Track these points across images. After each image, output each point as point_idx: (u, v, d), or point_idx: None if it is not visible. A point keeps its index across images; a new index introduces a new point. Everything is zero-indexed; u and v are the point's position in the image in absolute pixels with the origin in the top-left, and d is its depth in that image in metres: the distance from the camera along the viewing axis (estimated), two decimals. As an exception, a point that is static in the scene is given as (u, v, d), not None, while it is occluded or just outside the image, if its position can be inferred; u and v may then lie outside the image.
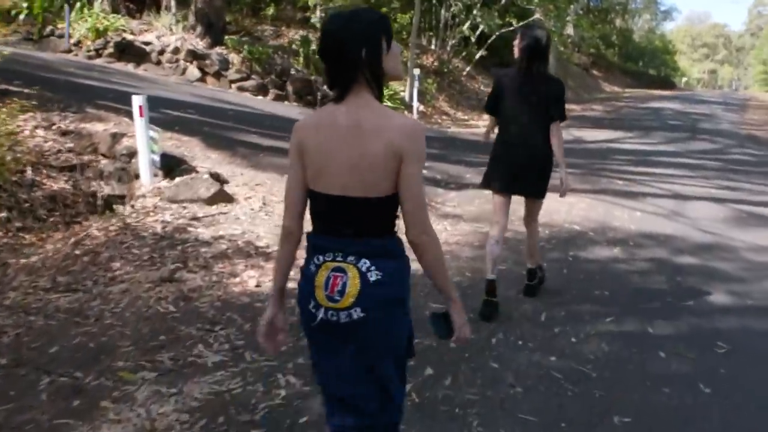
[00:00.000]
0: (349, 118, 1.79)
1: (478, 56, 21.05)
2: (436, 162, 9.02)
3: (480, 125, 16.27)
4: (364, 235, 1.83)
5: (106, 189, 6.42)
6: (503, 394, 3.21)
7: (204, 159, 6.89)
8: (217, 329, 3.76)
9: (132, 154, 6.45)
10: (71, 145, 6.85)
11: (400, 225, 1.88)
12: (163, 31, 14.34)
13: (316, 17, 17.05)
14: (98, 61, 13.21)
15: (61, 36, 13.56)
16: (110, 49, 13.43)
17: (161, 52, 13.69)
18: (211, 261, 4.72)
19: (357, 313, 1.81)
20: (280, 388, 3.17)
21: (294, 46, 15.76)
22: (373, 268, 1.81)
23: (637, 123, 18.16)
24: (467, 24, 20.05)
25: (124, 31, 13.89)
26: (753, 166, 11.32)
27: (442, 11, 20.50)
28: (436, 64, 19.93)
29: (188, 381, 3.19)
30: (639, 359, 3.69)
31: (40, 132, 6.88)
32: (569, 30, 31.48)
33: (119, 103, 7.94)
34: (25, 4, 13.29)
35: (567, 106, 4.21)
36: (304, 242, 1.96)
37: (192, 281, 4.38)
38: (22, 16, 13.40)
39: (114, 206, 6.10)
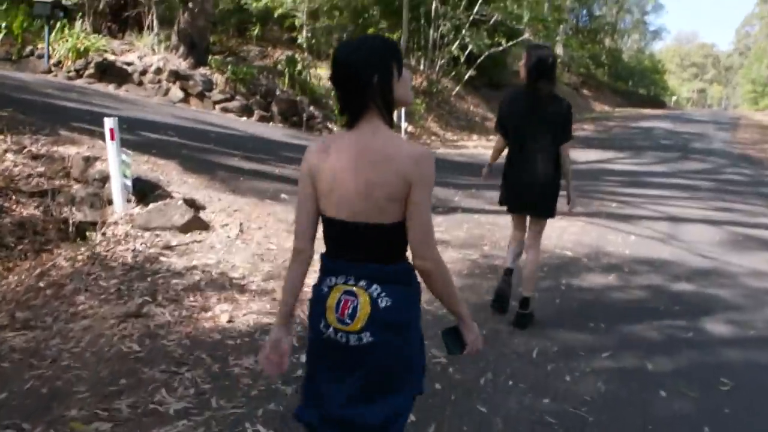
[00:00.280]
0: (359, 145, 1.81)
1: (467, 76, 21.01)
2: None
3: (469, 146, 16.12)
4: (375, 260, 1.85)
5: (78, 215, 6.11)
6: (492, 444, 2.94)
7: (180, 184, 6.60)
8: (183, 371, 3.46)
9: (105, 178, 6.16)
10: (42, 169, 6.54)
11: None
12: (146, 51, 14.10)
13: (302, 38, 16.92)
14: (78, 82, 12.91)
15: (40, 56, 13.25)
16: (91, 70, 13.13)
17: (143, 73, 13.43)
18: (182, 293, 4.43)
19: (367, 338, 1.82)
20: (248, 439, 2.88)
21: (279, 67, 15.56)
22: (383, 294, 1.83)
23: (628, 143, 18.06)
24: (456, 44, 19.99)
25: (106, 51, 13.61)
26: (747, 186, 11.19)
27: (431, 31, 20.41)
28: (424, 84, 19.79)
29: (146, 432, 2.90)
30: (638, 400, 3.44)
31: (9, 156, 6.57)
32: (559, 50, 31.65)
33: (95, 125, 7.64)
34: (3, 24, 13.02)
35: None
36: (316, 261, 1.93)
37: (160, 317, 4.08)
38: (0, 36, 13.11)
39: (87, 233, 5.80)
